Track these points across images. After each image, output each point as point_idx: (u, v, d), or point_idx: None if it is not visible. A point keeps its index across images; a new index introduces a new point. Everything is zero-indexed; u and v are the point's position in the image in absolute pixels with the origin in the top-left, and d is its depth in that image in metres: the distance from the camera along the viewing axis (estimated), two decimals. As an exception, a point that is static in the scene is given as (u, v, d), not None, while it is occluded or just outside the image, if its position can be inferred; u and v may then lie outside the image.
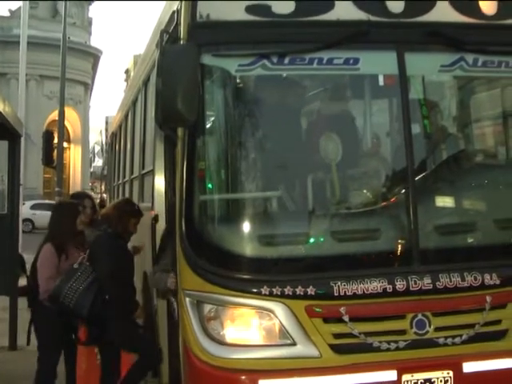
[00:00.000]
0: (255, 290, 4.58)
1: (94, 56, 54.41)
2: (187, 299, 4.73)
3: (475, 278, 4.78)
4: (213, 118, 4.97)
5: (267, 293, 4.56)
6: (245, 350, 4.65)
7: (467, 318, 4.80)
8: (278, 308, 4.58)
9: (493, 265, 4.89)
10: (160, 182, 5.82)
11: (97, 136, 58.02)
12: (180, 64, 4.56)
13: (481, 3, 5.15)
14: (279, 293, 4.56)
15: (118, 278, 5.97)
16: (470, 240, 5.24)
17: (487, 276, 4.80)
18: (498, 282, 4.82)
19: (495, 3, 5.18)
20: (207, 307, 4.66)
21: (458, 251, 5.01)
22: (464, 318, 4.80)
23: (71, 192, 25.39)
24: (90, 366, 6.45)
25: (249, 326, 4.66)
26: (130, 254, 6.42)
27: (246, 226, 4.91)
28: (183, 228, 4.74)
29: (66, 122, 37.45)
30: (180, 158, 4.80)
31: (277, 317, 4.59)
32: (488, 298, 4.77)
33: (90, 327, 6.10)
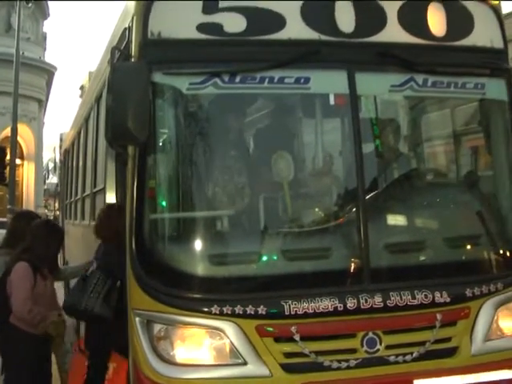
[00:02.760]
0: (205, 310, 4.55)
1: (48, 72, 53.86)
2: (137, 319, 4.68)
3: (426, 296, 4.80)
4: (163, 137, 4.95)
5: (218, 312, 4.53)
6: (195, 369, 4.61)
7: (418, 335, 4.82)
8: (228, 327, 4.55)
9: (443, 283, 4.92)
10: (111, 200, 5.77)
11: (51, 153, 57.53)
12: (130, 82, 4.53)
13: (431, 25, 5.22)
14: (230, 312, 4.53)
15: None
16: (420, 258, 5.27)
17: (437, 294, 4.82)
18: (448, 299, 4.85)
19: (445, 25, 5.25)
20: (157, 327, 4.62)
21: (408, 269, 5.05)
22: (415, 336, 4.82)
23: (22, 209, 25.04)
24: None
25: (199, 345, 4.62)
26: None
27: (197, 245, 4.89)
28: (133, 247, 4.70)
29: (20, 139, 37.00)
30: (130, 176, 4.77)
31: (227, 336, 4.56)
32: (438, 316, 4.80)
33: (100, 334, 5.96)
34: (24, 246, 6.31)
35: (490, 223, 5.29)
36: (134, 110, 4.47)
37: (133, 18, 4.94)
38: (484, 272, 5.22)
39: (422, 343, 4.78)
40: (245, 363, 4.58)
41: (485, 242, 5.31)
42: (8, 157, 20.57)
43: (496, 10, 5.43)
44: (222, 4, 4.84)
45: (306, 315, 4.59)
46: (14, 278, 6.05)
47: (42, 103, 53.69)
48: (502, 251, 5.30)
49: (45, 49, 54.88)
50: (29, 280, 6.02)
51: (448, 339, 4.89)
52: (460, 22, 5.32)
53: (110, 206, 6.15)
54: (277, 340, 4.61)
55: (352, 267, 4.85)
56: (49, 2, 51.38)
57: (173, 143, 4.94)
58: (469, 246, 5.39)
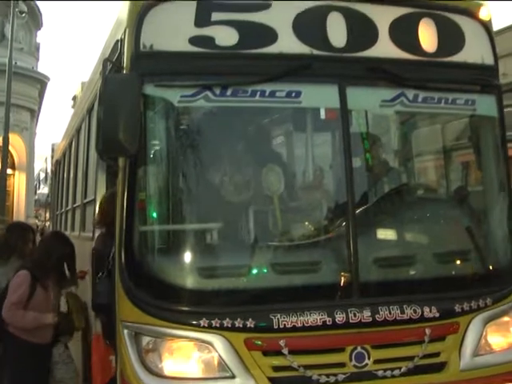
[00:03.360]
0: (194, 322, 4.54)
1: (41, 82, 53.78)
2: (125, 331, 4.66)
3: (415, 311, 4.80)
4: (154, 149, 4.94)
5: (206, 325, 4.52)
6: (183, 382, 4.59)
7: (406, 350, 4.81)
8: (216, 340, 4.54)
9: (432, 298, 4.93)
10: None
11: (42, 163, 57.31)
12: (122, 94, 4.52)
13: (422, 40, 5.24)
14: (218, 325, 4.52)
15: None
16: (409, 273, 5.26)
17: (426, 309, 4.83)
18: (437, 314, 4.85)
19: (436, 41, 5.28)
20: (145, 339, 4.60)
21: (397, 284, 5.05)
22: (403, 351, 4.81)
23: (15, 221, 24.97)
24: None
25: (187, 358, 4.61)
26: None
27: (186, 258, 4.88)
28: (122, 259, 4.68)
29: (11, 149, 36.87)
30: (120, 188, 4.76)
31: (216, 349, 4.54)
32: (427, 331, 4.80)
33: None
34: (31, 256, 6.50)
35: (479, 239, 5.32)
36: (125, 121, 4.46)
37: (125, 30, 4.94)
38: (473, 287, 5.20)
39: (411, 358, 4.77)
40: (233, 376, 4.56)
41: (474, 257, 5.32)
42: (-1, 167, 20.56)
43: (487, 27, 5.46)
44: (214, 17, 4.85)
45: (294, 329, 4.59)
46: (12, 284, 6.17)
47: (34, 113, 53.48)
48: (491, 267, 5.32)
49: (38, 59, 54.70)
50: (24, 288, 6.08)
51: (437, 354, 4.89)
52: (451, 38, 5.35)
53: (112, 193, 6.12)
54: (265, 353, 4.60)
55: (341, 281, 4.83)
56: (42, 13, 51.35)
57: (163, 155, 4.94)
58: (458, 262, 5.39)
